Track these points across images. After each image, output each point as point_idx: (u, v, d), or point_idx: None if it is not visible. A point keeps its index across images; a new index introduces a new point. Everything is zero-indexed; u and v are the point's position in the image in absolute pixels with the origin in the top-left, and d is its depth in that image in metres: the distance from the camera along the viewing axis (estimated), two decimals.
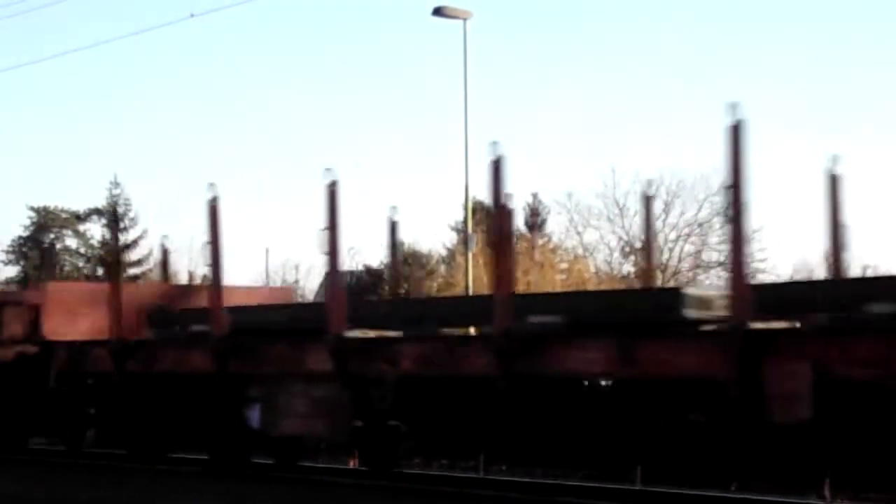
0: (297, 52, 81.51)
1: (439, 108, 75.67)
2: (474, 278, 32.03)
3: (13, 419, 18.92)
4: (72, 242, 63.12)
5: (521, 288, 41.10)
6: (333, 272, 14.71)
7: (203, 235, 15.54)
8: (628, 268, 47.99)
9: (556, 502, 13.14)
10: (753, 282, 13.84)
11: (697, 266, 48.96)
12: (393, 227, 17.23)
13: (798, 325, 11.83)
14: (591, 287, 38.59)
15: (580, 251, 48.98)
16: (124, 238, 60.28)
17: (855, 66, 66.04)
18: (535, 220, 55.89)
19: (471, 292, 30.60)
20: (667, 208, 48.21)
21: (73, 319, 17.94)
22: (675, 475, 12.97)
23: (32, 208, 62.86)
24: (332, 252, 14.37)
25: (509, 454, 13.94)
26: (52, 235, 62.83)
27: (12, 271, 62.39)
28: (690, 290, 12.51)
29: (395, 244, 17.97)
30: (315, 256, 62.35)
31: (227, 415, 15.48)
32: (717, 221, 45.81)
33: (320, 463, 16.96)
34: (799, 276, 42.61)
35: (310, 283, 58.82)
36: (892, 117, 64.90)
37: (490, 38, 71.30)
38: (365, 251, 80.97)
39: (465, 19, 31.72)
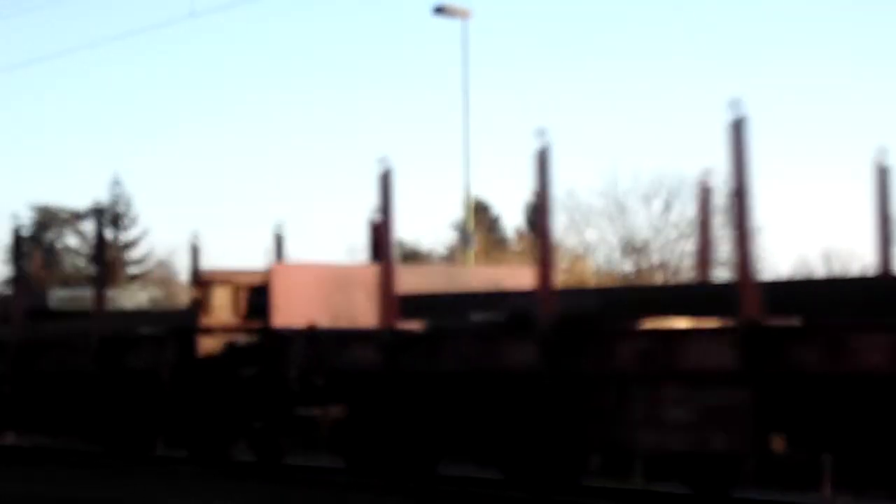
0: (298, 50, 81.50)
1: (439, 106, 75.54)
2: None
3: (220, 424, 16.23)
4: (72, 241, 63.14)
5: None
6: None
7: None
8: (629, 266, 47.95)
9: (556, 501, 13.04)
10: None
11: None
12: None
13: None
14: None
15: (581, 250, 48.92)
16: (124, 237, 60.31)
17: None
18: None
19: None
20: (667, 207, 48.17)
21: (308, 305, 15.10)
22: None
23: (33, 207, 62.86)
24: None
25: None
26: (52, 234, 62.78)
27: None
28: None
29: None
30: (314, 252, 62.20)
31: (556, 422, 12.40)
32: (718, 220, 45.69)
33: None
34: (798, 275, 42.51)
35: None
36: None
37: (490, 37, 71.29)
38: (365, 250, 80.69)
39: (465, 18, 31.67)
